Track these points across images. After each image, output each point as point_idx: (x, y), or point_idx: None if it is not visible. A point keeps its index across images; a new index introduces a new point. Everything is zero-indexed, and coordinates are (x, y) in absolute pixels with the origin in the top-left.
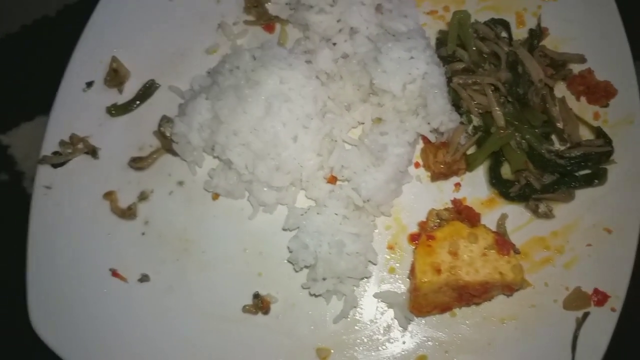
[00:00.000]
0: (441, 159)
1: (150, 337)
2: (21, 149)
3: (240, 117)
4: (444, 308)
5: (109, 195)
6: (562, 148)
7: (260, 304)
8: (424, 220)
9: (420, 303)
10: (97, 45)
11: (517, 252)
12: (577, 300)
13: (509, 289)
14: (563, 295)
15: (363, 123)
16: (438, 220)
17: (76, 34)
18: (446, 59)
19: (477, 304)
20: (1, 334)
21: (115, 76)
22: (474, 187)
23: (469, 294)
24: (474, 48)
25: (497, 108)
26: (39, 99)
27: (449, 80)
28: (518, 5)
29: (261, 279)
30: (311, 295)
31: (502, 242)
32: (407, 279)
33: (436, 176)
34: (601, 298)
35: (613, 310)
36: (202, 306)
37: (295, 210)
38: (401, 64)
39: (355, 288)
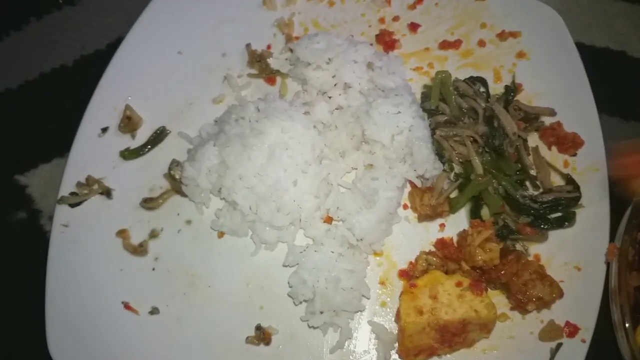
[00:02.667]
0: (427, 202)
1: None
2: (38, 188)
3: (245, 163)
4: (429, 353)
5: (121, 233)
6: (536, 193)
7: (262, 335)
8: (413, 261)
9: (407, 346)
10: (112, 94)
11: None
12: (551, 332)
13: (486, 329)
14: (539, 328)
15: (356, 168)
16: (425, 264)
17: (92, 83)
18: (430, 112)
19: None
20: None
21: (129, 123)
22: (457, 227)
23: (450, 333)
24: (455, 104)
25: (475, 157)
26: (56, 143)
27: (433, 131)
28: (495, 63)
29: (263, 311)
30: (309, 327)
31: (475, 285)
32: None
33: (423, 217)
34: (572, 330)
35: (583, 341)
36: (208, 337)
37: (294, 248)
38: (389, 118)
39: (350, 321)
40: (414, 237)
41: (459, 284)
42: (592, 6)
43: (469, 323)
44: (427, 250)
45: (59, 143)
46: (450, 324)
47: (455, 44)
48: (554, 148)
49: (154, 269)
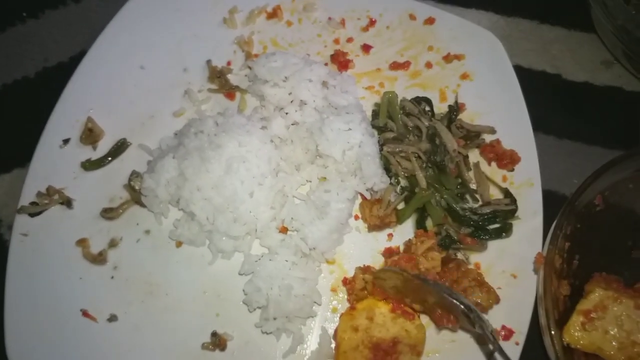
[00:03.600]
0: (376, 213)
1: None
2: None
3: (203, 176)
4: None
5: (81, 242)
6: (476, 206)
7: (217, 342)
8: (352, 277)
9: None
10: (74, 106)
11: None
12: None
13: (416, 351)
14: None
15: (310, 181)
16: (363, 282)
17: (54, 95)
18: (379, 129)
19: None
20: None
21: (90, 134)
22: (403, 237)
23: (382, 352)
24: (401, 122)
25: (419, 172)
26: (17, 153)
27: (382, 147)
28: (441, 84)
29: (219, 318)
30: (263, 333)
31: (406, 313)
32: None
33: (372, 227)
34: (507, 333)
35: (517, 343)
36: (165, 343)
37: (250, 257)
38: (340, 134)
39: (302, 326)
40: (364, 246)
41: (393, 310)
42: (531, 32)
43: (400, 342)
44: (361, 266)
45: (20, 154)
46: (383, 341)
47: (405, 65)
48: (493, 164)
49: (112, 277)
